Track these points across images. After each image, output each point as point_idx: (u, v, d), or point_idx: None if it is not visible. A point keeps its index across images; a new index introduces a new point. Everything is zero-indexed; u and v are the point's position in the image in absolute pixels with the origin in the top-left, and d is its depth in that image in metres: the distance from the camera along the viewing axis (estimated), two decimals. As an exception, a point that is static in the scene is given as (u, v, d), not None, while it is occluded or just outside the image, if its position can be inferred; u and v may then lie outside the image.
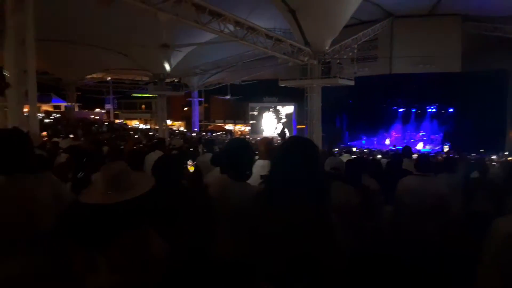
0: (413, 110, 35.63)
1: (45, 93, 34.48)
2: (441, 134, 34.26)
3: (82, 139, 12.24)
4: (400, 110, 35.94)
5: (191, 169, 3.61)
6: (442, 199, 3.81)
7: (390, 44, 25.58)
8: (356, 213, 3.22)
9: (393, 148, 28.01)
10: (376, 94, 33.74)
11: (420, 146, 33.46)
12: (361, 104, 34.82)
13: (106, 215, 1.45)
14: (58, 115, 31.93)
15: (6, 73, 7.38)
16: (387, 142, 34.12)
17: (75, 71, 28.20)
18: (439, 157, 16.48)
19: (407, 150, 6.33)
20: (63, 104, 37.16)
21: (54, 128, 23.30)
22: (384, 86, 31.39)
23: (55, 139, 7.72)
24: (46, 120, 25.83)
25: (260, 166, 3.21)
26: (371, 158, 11.13)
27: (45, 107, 37.76)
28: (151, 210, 1.60)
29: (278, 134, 4.52)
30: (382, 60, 26.06)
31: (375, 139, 34.84)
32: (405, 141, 34.29)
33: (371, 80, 27.01)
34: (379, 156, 15.19)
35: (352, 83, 20.96)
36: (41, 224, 1.89)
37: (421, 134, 34.80)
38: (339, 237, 1.60)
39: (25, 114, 8.03)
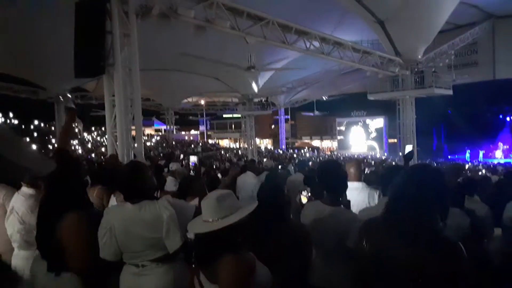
0: (524, 118, 31.60)
1: (148, 117, 38.24)
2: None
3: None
4: (508, 118, 32.12)
5: (304, 199, 3.63)
6: None
7: (492, 47, 23.28)
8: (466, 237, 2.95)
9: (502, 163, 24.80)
10: (479, 102, 30.56)
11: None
12: (462, 114, 31.76)
13: (211, 239, 1.56)
14: (158, 138, 34.93)
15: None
16: (498, 154, 30.23)
17: (173, 97, 30.75)
18: None
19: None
20: (163, 127, 40.63)
21: (155, 149, 25.49)
22: (488, 93, 28.36)
23: (159, 162, 8.42)
24: (148, 144, 28.36)
25: (354, 189, 3.13)
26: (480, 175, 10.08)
27: (148, 130, 41.70)
28: (250, 234, 1.66)
29: (404, 156, 4.22)
30: (483, 65, 23.82)
31: (482, 151, 31.17)
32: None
33: (472, 87, 24.71)
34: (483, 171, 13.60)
35: (450, 92, 19.43)
36: (169, 243, 2.12)
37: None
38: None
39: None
